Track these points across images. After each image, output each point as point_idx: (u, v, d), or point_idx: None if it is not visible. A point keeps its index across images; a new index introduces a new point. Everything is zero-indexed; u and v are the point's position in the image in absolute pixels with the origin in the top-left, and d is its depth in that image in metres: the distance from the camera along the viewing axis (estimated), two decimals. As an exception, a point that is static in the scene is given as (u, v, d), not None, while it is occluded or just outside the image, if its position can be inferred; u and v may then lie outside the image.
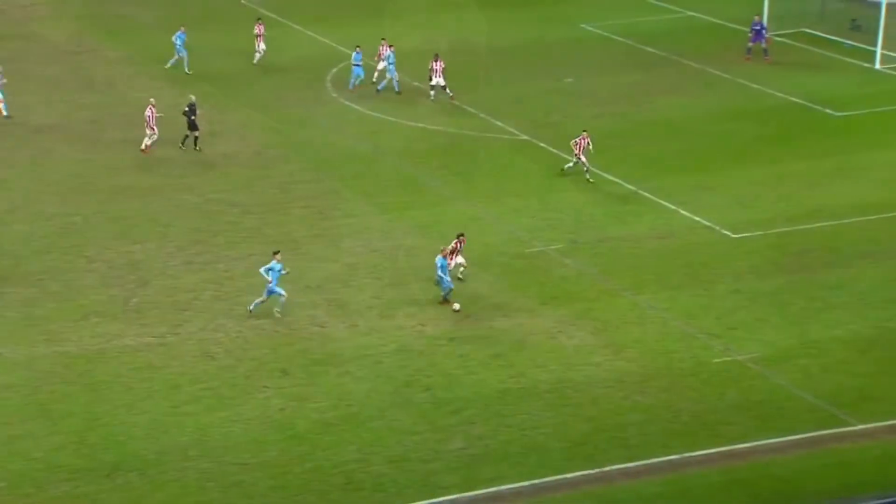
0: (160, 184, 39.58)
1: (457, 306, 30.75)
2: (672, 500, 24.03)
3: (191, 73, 49.52)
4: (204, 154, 41.72)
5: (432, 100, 46.15)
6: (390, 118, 45.17)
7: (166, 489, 24.39)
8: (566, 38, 55.34)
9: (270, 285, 30.28)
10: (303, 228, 36.09)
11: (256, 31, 50.72)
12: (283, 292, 30.44)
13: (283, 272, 30.47)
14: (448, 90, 46.13)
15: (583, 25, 57.15)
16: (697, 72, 50.17)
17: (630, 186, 38.66)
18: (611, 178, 39.36)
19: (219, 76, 49.84)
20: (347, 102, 46.81)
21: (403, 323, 30.49)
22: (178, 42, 49.59)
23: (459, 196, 38.35)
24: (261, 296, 30.55)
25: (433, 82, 46.18)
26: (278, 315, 30.41)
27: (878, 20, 50.20)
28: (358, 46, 47.28)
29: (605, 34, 55.79)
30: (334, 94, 47.83)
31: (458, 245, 32.13)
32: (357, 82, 47.19)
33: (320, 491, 24.28)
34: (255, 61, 50.51)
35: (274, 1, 61.01)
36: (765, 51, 50.85)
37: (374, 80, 47.65)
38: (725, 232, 35.34)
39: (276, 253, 30.78)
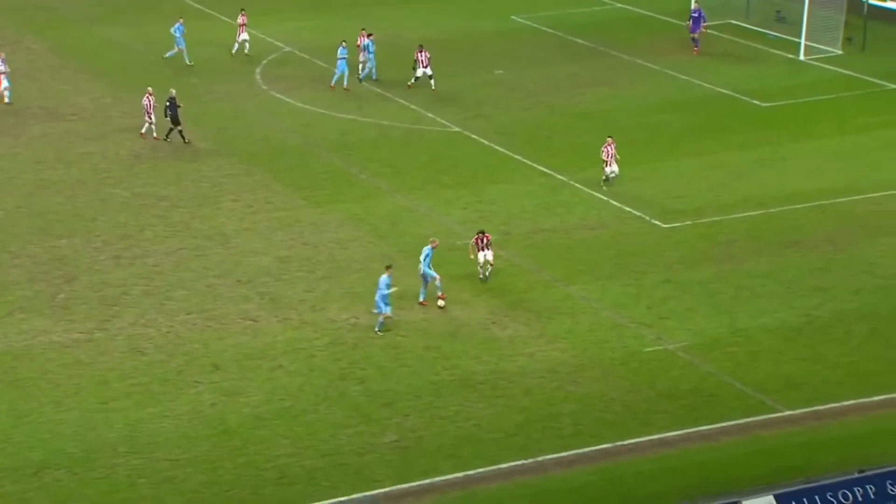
0: (86, 178, 39.04)
1: (441, 303, 30.37)
2: (604, 488, 24.23)
3: (192, 63, 48.98)
4: (133, 147, 41.28)
5: (409, 86, 45.93)
6: (322, 111, 44.97)
7: (95, 486, 24.10)
8: (497, 30, 55.57)
9: (381, 303, 29.22)
10: (233, 222, 35.80)
11: (240, 20, 50.03)
12: (387, 311, 29.31)
13: (390, 289, 29.27)
14: (432, 81, 45.83)
15: (513, 17, 57.41)
16: (627, 63, 50.65)
17: (561, 177, 38.92)
18: (542, 169, 39.60)
19: (148, 69, 49.17)
20: (278, 95, 46.52)
21: (336, 316, 30.40)
22: (178, 34, 48.97)
23: (392, 188, 38.33)
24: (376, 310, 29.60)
25: (419, 73, 45.88)
26: (378, 333, 29.40)
27: (801, 12, 51.14)
28: (344, 41, 46.71)
29: (536, 26, 56.10)
30: (265, 87, 47.50)
31: (480, 241, 31.56)
32: (344, 78, 46.41)
33: (253, 486, 24.14)
34: (233, 51, 49.91)
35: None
36: (694, 40, 51.42)
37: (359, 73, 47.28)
38: (655, 222, 35.72)
39: (388, 267, 29.79)
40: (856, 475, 23.05)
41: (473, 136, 42.63)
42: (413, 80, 46.19)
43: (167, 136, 41.23)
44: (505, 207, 36.81)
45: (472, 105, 45.63)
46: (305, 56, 50.74)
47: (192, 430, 25.81)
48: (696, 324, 30.00)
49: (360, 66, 47.43)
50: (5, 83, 44.56)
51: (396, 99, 46.20)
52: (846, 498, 22.57)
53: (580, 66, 50.32)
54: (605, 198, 37.35)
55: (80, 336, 29.45)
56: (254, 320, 30.22)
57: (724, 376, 27.82)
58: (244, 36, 49.88)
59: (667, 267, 32.97)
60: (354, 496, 23.80)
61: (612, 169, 37.23)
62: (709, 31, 52.35)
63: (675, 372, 28.04)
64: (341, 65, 46.40)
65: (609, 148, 37.25)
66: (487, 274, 31.95)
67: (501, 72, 49.01)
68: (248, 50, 50.05)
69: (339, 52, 46.43)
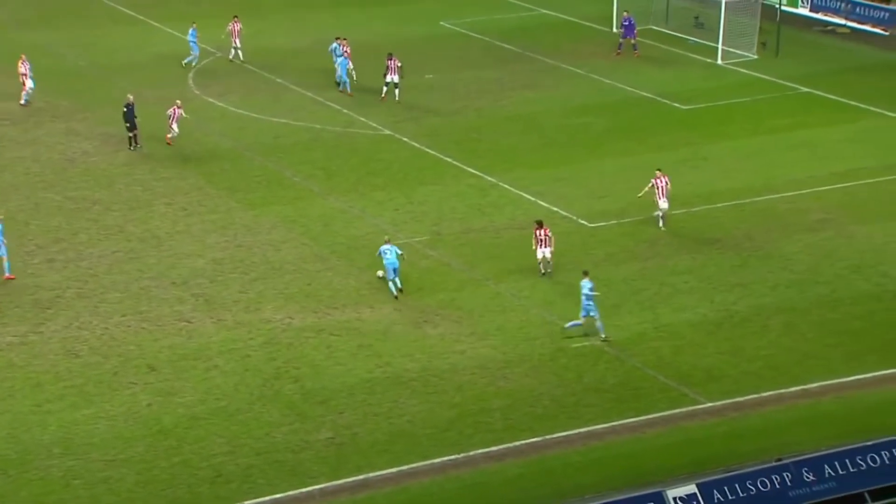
0: (18, 182, 38.88)
1: (380, 273, 31.70)
2: (534, 480, 24.78)
3: (186, 65, 49.15)
4: (65, 151, 41.24)
5: (381, 98, 45.90)
6: (254, 115, 45.14)
7: (30, 488, 24.17)
8: (426, 35, 56.14)
9: (588, 307, 29.40)
10: (166, 225, 35.94)
11: (230, 27, 50.04)
12: (597, 315, 29.46)
13: (593, 293, 29.43)
14: (397, 90, 45.76)
15: (442, 23, 58.05)
16: (551, 67, 51.56)
17: (490, 179, 39.60)
18: (471, 171, 40.26)
19: (79, 73, 48.97)
20: (211, 99, 46.60)
21: (271, 316, 30.74)
22: (192, 39, 48.88)
23: (324, 191, 38.73)
24: (577, 319, 29.83)
25: (388, 79, 45.78)
26: (604, 339, 29.51)
27: (718, 18, 52.50)
28: (346, 53, 47.34)
29: (464, 31, 56.81)
30: (197, 91, 47.55)
31: (538, 231, 32.10)
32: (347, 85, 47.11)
33: (189, 484, 24.36)
34: (230, 57, 49.96)
35: (133, -2, 60.33)
36: (633, 46, 52.56)
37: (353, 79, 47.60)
38: (582, 222, 36.48)
39: (585, 273, 30.02)
40: (774, 463, 23.89)
41: (404, 139, 43.17)
42: (385, 90, 46.02)
43: (130, 143, 41.13)
44: (436, 208, 37.38)
45: (403, 108, 46.12)
46: (237, 61, 50.85)
47: (127, 431, 25.96)
48: (621, 319, 30.75)
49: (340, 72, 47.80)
50: (30, 84, 44.61)
51: (328, 103, 46.58)
52: (765, 485, 23.37)
53: (507, 70, 51.10)
54: (532, 198, 38.09)
55: (14, 339, 29.44)
56: (188, 321, 30.45)
57: (649, 370, 28.60)
58: (238, 42, 50.02)
59: (593, 265, 33.58)
60: (290, 493, 24.09)
61: (663, 205, 35.24)
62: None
63: (602, 366, 28.75)
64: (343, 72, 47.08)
65: (659, 182, 35.15)
66: (549, 270, 32.61)
67: (431, 76, 49.59)
68: (234, 56, 50.06)
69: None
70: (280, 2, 61.08)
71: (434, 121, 45.16)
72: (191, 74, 49.46)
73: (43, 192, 38.04)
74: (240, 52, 50.27)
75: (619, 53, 52.64)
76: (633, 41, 52.48)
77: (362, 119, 44.95)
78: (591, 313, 29.61)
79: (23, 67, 44.88)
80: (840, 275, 33.33)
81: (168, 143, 41.26)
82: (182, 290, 31.92)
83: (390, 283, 31.65)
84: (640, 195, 35.64)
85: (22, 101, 44.87)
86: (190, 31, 49.43)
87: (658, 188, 35.31)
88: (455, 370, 28.47)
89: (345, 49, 47.99)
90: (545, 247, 32.53)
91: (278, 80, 48.76)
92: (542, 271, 32.74)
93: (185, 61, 49.63)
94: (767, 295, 32.20)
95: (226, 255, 33.97)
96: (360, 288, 32.21)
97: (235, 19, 50.52)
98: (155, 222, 36.08)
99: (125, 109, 40.90)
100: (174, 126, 41.00)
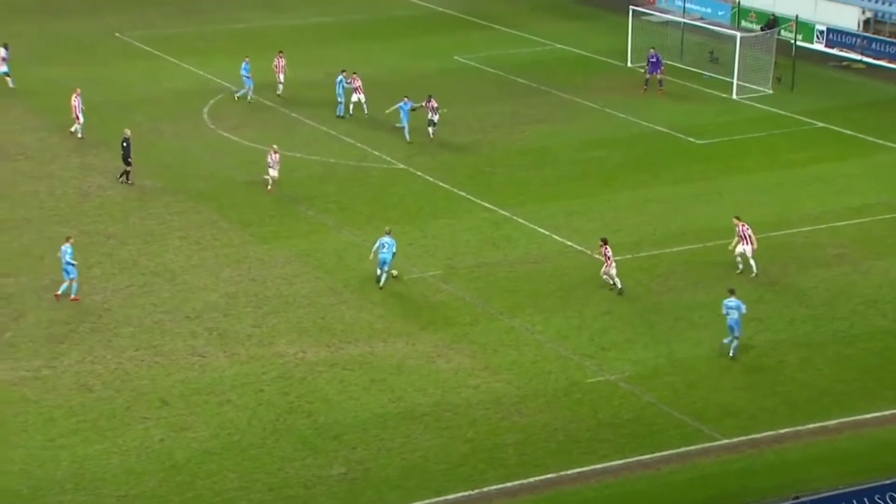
0: (33, 216, 39.03)
1: (395, 272, 33.52)
2: (548, 517, 24.76)
3: (252, 101, 49.61)
4: (80, 185, 41.41)
5: (431, 139, 45.92)
6: (268, 149, 45.22)
7: (42, 523, 24.16)
8: (440, 69, 56.37)
9: (734, 324, 30.02)
10: (180, 259, 36.00)
11: (276, 63, 50.43)
12: (739, 333, 30.17)
13: (742, 310, 29.95)
14: (431, 130, 45.85)
15: (456, 57, 58.31)
16: (566, 101, 51.68)
17: (504, 212, 39.61)
18: (485, 204, 40.27)
19: (94, 108, 49.19)
20: (226, 133, 46.82)
21: (284, 350, 30.71)
22: (245, 72, 49.45)
23: (338, 224, 38.78)
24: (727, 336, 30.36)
25: (431, 118, 46.01)
26: (731, 356, 30.20)
27: (733, 53, 52.59)
28: (357, 81, 48.18)
29: (478, 66, 57.02)
30: (212, 126, 47.78)
31: (606, 252, 33.28)
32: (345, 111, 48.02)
33: (201, 520, 24.35)
34: (278, 93, 50.31)
35: (148, 34, 60.71)
36: (660, 82, 52.62)
37: (366, 111, 48.10)
38: (597, 256, 36.25)
39: (731, 291, 30.52)
40: (791, 501, 23.61)
41: (418, 173, 43.24)
42: (432, 132, 46.04)
43: (120, 176, 41.32)
44: (450, 242, 37.39)
45: (417, 142, 46.27)
46: (253, 95, 51.08)
47: (139, 466, 25.90)
48: (636, 354, 30.67)
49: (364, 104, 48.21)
50: (81, 119, 45.22)
51: (342, 137, 46.74)
52: (782, 523, 23.25)
53: (520, 103, 51.23)
54: (546, 232, 38.08)
55: (27, 374, 29.44)
56: (202, 356, 30.42)
57: (664, 405, 28.47)
58: (280, 78, 50.44)
59: (608, 299, 33.65)
60: (302, 528, 24.12)
61: (744, 249, 34.53)
62: (642, 69, 53.77)
63: (617, 402, 28.64)
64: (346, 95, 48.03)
65: (743, 231, 34.50)
66: (618, 284, 33.51)
67: (445, 110, 49.69)
68: (280, 91, 50.40)
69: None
70: (294, 36, 61.44)
71: (448, 155, 45.25)
72: (205, 109, 49.70)
73: (57, 226, 38.12)
74: (281, 86, 50.56)
75: (645, 90, 52.54)
76: (659, 76, 52.53)
77: (376, 153, 45.08)
78: (738, 332, 30.16)
79: (76, 101, 45.19)
80: (856, 310, 33.17)
81: (269, 191, 40.62)
82: (195, 324, 31.93)
83: (381, 274, 33.20)
84: (731, 247, 35.03)
85: (79, 135, 45.10)
86: (243, 64, 49.85)
87: (745, 240, 34.69)
88: (469, 405, 28.36)
89: (354, 83, 48.09)
90: (608, 263, 33.35)
91: (292, 114, 48.97)
92: (617, 288, 33.69)
93: (239, 94, 50.04)
94: (784, 330, 32.06)
95: (239, 289, 33.99)
96: (374, 322, 32.16)
97: (280, 55, 50.83)
98: (169, 256, 36.15)
99: (123, 145, 41.05)
100: (272, 171, 40.88)
